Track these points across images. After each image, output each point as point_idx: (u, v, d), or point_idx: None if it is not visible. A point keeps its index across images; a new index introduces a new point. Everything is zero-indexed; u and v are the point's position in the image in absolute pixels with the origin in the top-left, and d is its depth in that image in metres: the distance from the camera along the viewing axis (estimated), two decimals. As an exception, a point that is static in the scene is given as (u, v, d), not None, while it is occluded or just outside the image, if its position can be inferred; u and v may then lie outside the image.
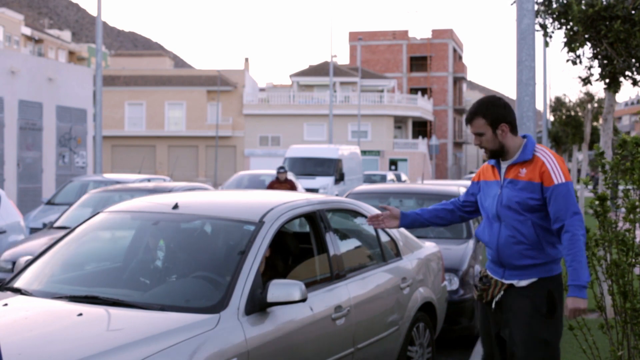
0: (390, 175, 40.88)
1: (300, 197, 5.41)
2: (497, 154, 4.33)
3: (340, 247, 5.32)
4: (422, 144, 62.36)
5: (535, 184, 4.17)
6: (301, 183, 26.08)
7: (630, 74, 9.72)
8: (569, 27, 9.42)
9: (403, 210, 4.83)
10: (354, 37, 77.16)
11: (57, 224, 10.69)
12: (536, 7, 9.07)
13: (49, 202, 15.55)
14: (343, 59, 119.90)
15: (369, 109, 59.57)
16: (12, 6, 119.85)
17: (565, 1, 9.26)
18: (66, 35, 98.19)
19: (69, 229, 9.33)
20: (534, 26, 7.08)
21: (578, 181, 36.74)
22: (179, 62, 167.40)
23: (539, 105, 38.83)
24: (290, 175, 25.40)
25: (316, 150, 30.05)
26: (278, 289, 4.22)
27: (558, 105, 41.92)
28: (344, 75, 64.26)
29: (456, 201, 4.72)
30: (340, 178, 28.30)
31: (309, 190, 24.76)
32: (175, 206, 5.02)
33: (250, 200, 5.64)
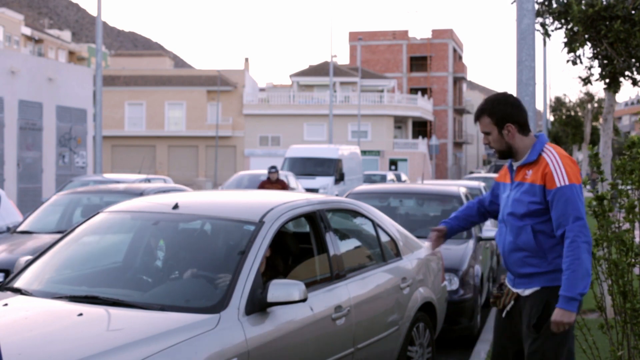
0: (390, 175, 40.87)
1: (300, 197, 5.41)
2: (505, 154, 4.13)
3: (340, 247, 5.32)
4: (422, 144, 62.36)
5: (537, 187, 3.94)
6: (301, 183, 26.08)
7: (630, 74, 9.72)
8: (569, 27, 9.42)
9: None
10: (354, 37, 77.17)
11: (20, 229, 9.56)
12: (537, 7, 9.07)
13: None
14: (343, 59, 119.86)
15: (369, 109, 59.58)
16: (12, 6, 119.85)
17: (565, 1, 9.26)
18: (66, 35, 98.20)
19: (32, 233, 9.12)
20: (534, 26, 7.08)
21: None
22: (179, 62, 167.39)
23: (539, 105, 38.81)
24: (291, 177, 25.43)
25: (316, 150, 30.04)
26: (278, 289, 4.22)
27: (558, 105, 41.95)
28: (344, 75, 64.26)
29: (483, 202, 4.53)
30: (340, 178, 28.30)
31: (309, 190, 24.75)
32: (176, 206, 5.02)
33: (250, 200, 5.64)
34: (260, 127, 60.56)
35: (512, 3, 7.82)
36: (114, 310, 4.12)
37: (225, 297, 4.17)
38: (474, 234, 8.70)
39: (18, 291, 4.57)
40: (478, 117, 4.12)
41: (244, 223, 4.79)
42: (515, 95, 6.80)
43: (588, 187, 5.47)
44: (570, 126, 41.08)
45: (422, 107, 65.14)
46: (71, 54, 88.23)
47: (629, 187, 5.36)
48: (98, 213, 5.40)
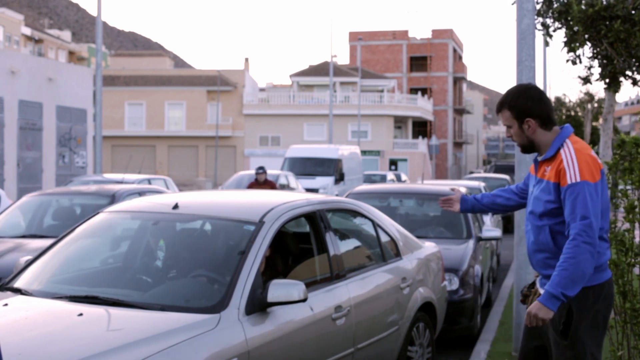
0: (390, 175, 40.87)
1: (300, 197, 5.41)
2: (528, 148, 3.95)
3: (340, 247, 5.32)
4: (422, 144, 62.35)
5: (552, 185, 3.77)
6: (301, 183, 26.08)
7: (630, 73, 9.72)
8: (569, 27, 9.43)
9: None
10: (354, 37, 77.16)
11: None
12: (537, 6, 9.08)
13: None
14: (343, 59, 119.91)
15: (369, 109, 59.57)
16: (12, 6, 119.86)
17: (565, 1, 9.27)
18: (66, 35, 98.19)
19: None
20: (534, 26, 7.08)
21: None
22: (179, 62, 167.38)
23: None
24: (291, 177, 25.43)
25: (316, 150, 30.04)
26: (278, 289, 4.22)
27: (558, 105, 41.97)
28: (344, 75, 64.25)
29: (517, 187, 4.36)
30: (340, 178, 28.30)
31: (309, 190, 24.76)
32: (176, 206, 5.02)
33: (250, 200, 5.64)
34: (260, 127, 60.56)
35: (512, 4, 7.83)
36: (114, 310, 4.12)
37: (226, 297, 4.16)
38: (474, 234, 8.71)
39: (18, 291, 4.57)
40: (499, 110, 3.98)
41: (244, 223, 4.79)
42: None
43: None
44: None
45: (422, 107, 65.13)
46: (71, 54, 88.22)
47: (628, 187, 5.36)
48: (98, 213, 5.40)
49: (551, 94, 45.39)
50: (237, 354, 3.94)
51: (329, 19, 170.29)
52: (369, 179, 36.82)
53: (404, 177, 44.29)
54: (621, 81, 9.91)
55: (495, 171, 34.53)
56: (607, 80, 9.89)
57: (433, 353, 6.28)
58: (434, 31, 77.98)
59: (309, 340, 4.59)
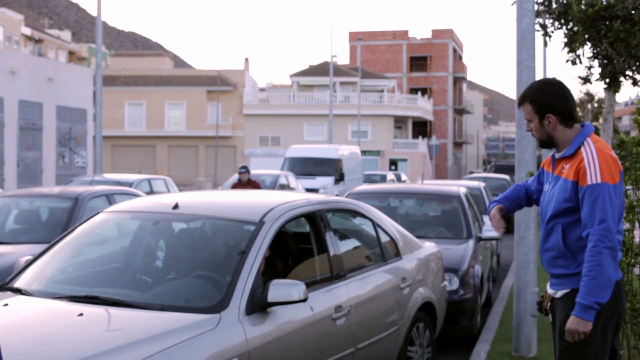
0: (390, 175, 40.88)
1: (300, 197, 5.41)
2: (546, 144, 3.87)
3: (340, 247, 5.32)
4: (422, 144, 62.35)
5: (570, 183, 3.70)
6: (301, 183, 26.08)
7: (630, 73, 9.73)
8: (569, 27, 9.43)
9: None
10: (354, 37, 77.16)
11: None
12: (536, 7, 9.07)
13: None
14: (343, 59, 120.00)
15: (369, 109, 59.57)
16: (12, 6, 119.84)
17: (565, 1, 9.27)
18: (66, 35, 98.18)
19: None
20: (534, 26, 7.08)
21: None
22: (179, 62, 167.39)
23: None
24: (291, 176, 25.41)
25: (316, 150, 30.05)
26: (278, 289, 4.22)
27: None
28: (344, 75, 64.25)
29: (529, 188, 4.25)
30: (340, 178, 28.30)
31: (309, 190, 24.75)
32: (176, 206, 5.02)
33: (250, 200, 5.64)
34: (260, 127, 60.56)
35: (512, 4, 7.83)
36: (114, 310, 4.12)
37: (226, 297, 4.16)
38: (474, 234, 8.71)
39: (18, 291, 4.57)
40: (520, 103, 3.89)
41: (244, 223, 4.79)
42: (515, 95, 6.76)
43: None
44: (570, 126, 41.04)
45: (422, 107, 65.13)
46: (71, 54, 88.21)
47: (628, 187, 5.36)
48: (98, 213, 5.41)
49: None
50: (238, 354, 3.94)
51: (329, 19, 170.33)
52: (369, 179, 36.83)
53: (404, 177, 44.29)
54: (621, 81, 9.91)
55: (495, 171, 34.54)
56: (607, 80, 9.89)
57: (433, 353, 6.28)
58: (434, 31, 77.99)
59: (309, 340, 4.59)
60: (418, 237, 7.10)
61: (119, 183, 16.26)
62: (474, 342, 7.67)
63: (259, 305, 4.23)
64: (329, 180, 27.66)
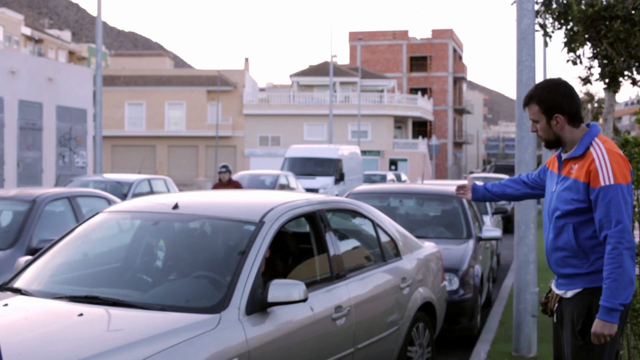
0: (390, 175, 40.88)
1: (300, 197, 5.41)
2: (553, 144, 3.86)
3: (340, 247, 5.32)
4: (422, 144, 62.35)
5: (580, 183, 3.68)
6: (301, 183, 26.08)
7: (630, 73, 9.72)
8: (569, 27, 9.43)
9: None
10: (354, 37, 77.16)
11: None
12: (536, 7, 9.07)
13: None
14: (343, 59, 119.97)
15: (369, 109, 59.57)
16: (12, 6, 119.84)
17: (565, 1, 9.27)
18: (66, 35, 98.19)
19: None
20: (534, 26, 7.08)
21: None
22: (179, 62, 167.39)
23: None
24: (291, 176, 25.40)
25: (316, 150, 30.05)
26: (279, 289, 4.22)
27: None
28: (344, 75, 64.26)
29: (528, 176, 4.32)
30: (340, 178, 28.30)
31: (309, 190, 24.75)
32: (176, 206, 5.02)
33: (250, 200, 5.64)
34: (260, 127, 60.56)
35: (512, 4, 7.83)
36: (114, 311, 4.12)
37: (226, 297, 4.17)
38: (474, 234, 8.71)
39: (18, 291, 4.57)
40: (527, 104, 3.88)
41: (244, 223, 4.79)
42: (515, 95, 6.77)
43: None
44: (570, 126, 41.01)
45: (422, 107, 65.13)
46: (71, 54, 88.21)
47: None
48: (98, 213, 5.41)
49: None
50: (238, 354, 3.94)
51: (329, 19, 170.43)
52: (369, 179, 36.83)
53: (404, 177, 44.29)
54: (621, 81, 9.91)
55: (495, 171, 34.55)
56: (607, 80, 9.89)
57: (433, 353, 6.28)
58: (434, 31, 77.98)
59: (309, 340, 4.59)
60: (418, 237, 7.11)
61: (118, 183, 16.26)
62: (474, 342, 7.67)
63: (259, 305, 4.23)
64: (329, 180, 27.66)
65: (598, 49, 9.48)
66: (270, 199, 5.36)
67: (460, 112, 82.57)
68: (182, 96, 61.08)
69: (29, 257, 5.09)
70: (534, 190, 4.31)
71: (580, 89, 40.75)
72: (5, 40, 74.00)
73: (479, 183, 4.62)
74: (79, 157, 25.10)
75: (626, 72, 9.68)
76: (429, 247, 6.74)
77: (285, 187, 24.26)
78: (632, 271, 3.58)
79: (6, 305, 4.28)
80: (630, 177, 3.71)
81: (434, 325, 6.41)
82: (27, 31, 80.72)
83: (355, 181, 29.88)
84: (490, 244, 10.19)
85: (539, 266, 9.08)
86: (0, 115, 21.62)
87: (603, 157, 3.66)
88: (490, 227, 9.79)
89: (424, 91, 75.48)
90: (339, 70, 63.81)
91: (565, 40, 9.67)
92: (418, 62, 77.66)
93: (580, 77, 10.48)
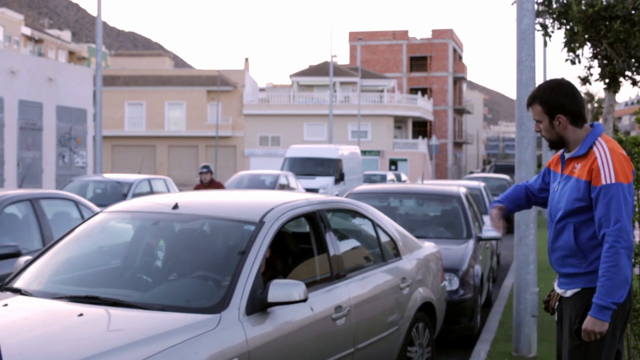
0: (390, 175, 40.88)
1: (300, 197, 5.41)
2: (556, 144, 3.87)
3: (340, 247, 5.32)
4: (422, 144, 62.36)
5: (582, 182, 3.69)
6: (301, 183, 26.08)
7: (629, 74, 9.72)
8: (569, 27, 9.43)
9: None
10: (354, 37, 77.16)
11: None
12: (536, 7, 9.07)
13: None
14: (343, 59, 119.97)
15: (369, 109, 59.57)
16: (12, 6, 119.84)
17: (565, 1, 9.27)
18: (66, 35, 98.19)
19: None
20: (534, 26, 7.08)
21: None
22: (179, 62, 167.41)
23: (539, 105, 38.68)
24: (291, 177, 25.39)
25: (316, 150, 30.04)
26: (279, 289, 4.22)
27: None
28: (344, 75, 64.25)
29: (531, 188, 4.21)
30: (340, 178, 28.30)
31: (309, 190, 24.75)
32: (175, 206, 5.02)
33: (250, 200, 5.64)
34: (260, 127, 60.56)
35: (512, 4, 7.83)
36: (114, 311, 4.12)
37: (226, 298, 4.16)
38: (474, 234, 8.71)
39: (18, 291, 4.56)
40: (530, 104, 3.88)
41: (244, 223, 4.79)
42: (515, 95, 6.77)
43: None
44: (570, 126, 41.04)
45: (422, 107, 65.13)
46: (71, 54, 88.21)
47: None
48: (98, 213, 5.41)
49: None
50: (238, 354, 3.94)
51: (329, 19, 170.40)
52: (369, 179, 36.83)
53: (404, 177, 44.29)
54: (621, 81, 9.91)
55: (495, 171, 34.55)
56: (607, 81, 9.90)
57: (433, 353, 6.28)
58: (434, 31, 77.98)
59: (309, 340, 4.59)
60: (418, 237, 7.11)
61: (118, 183, 16.27)
62: (474, 342, 7.67)
63: (259, 306, 4.23)
64: (329, 180, 27.66)
65: (598, 49, 9.49)
66: (270, 199, 5.35)
67: (460, 112, 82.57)
68: (182, 96, 61.08)
69: (28, 257, 5.09)
70: (537, 195, 4.21)
71: (580, 89, 40.73)
72: (5, 40, 74.00)
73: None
74: (79, 157, 25.10)
75: (626, 72, 9.68)
76: (428, 247, 6.74)
77: (285, 187, 24.26)
78: (627, 271, 3.59)
79: (6, 305, 4.28)
80: (633, 177, 3.71)
81: (434, 325, 6.41)
82: (27, 31, 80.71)
83: (355, 181, 29.88)
84: (490, 244, 10.19)
85: (539, 266, 9.09)
86: (0, 115, 21.62)
87: (605, 156, 3.67)
88: (490, 227, 9.79)
89: (424, 91, 75.48)
90: (339, 70, 63.82)
91: (565, 40, 9.67)
92: (418, 62, 77.66)
93: (580, 77, 10.48)
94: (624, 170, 3.65)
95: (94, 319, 4.01)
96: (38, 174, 23.17)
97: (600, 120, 29.87)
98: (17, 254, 6.49)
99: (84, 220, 5.45)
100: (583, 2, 9.04)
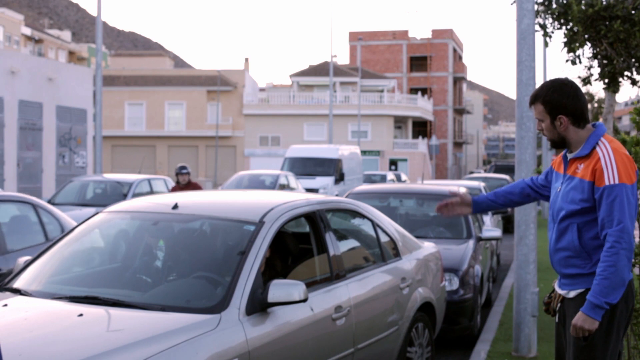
0: (390, 175, 40.87)
1: (300, 197, 5.41)
2: (558, 144, 3.86)
3: (340, 247, 5.32)
4: (422, 144, 62.35)
5: (586, 183, 3.68)
6: (301, 183, 26.07)
7: (629, 74, 9.72)
8: (569, 27, 9.42)
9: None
10: (354, 37, 77.15)
11: None
12: (536, 7, 9.07)
13: (49, 202, 15.51)
14: (343, 59, 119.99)
15: (369, 109, 59.57)
16: (12, 6, 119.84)
17: (565, 1, 9.27)
18: (66, 35, 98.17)
19: None
20: (534, 26, 7.08)
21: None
22: (179, 62, 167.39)
23: (539, 105, 38.73)
24: (291, 177, 25.37)
25: (316, 150, 30.04)
26: (279, 289, 4.22)
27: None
28: (344, 75, 64.25)
29: (533, 181, 4.24)
30: (340, 178, 28.30)
31: (309, 190, 24.74)
32: (175, 206, 5.02)
33: (250, 201, 5.63)
34: (260, 127, 60.56)
35: (512, 4, 7.83)
36: (114, 311, 4.12)
37: (226, 298, 4.16)
38: (474, 234, 8.71)
39: (17, 291, 4.56)
40: (532, 103, 3.87)
41: (244, 223, 4.79)
42: (515, 95, 6.77)
43: None
44: (570, 126, 41.09)
45: (422, 107, 65.13)
46: (71, 54, 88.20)
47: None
48: (97, 213, 5.40)
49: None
50: (238, 354, 3.94)
51: (329, 19, 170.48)
52: (369, 179, 36.83)
53: (404, 177, 44.28)
54: (621, 81, 9.91)
55: (495, 171, 34.55)
56: (607, 81, 9.89)
57: (432, 353, 6.28)
58: (434, 31, 77.97)
59: (309, 340, 4.59)
60: (418, 237, 7.11)
61: (118, 183, 16.26)
62: (474, 342, 7.67)
63: (259, 306, 4.23)
64: (329, 180, 27.65)
65: (598, 49, 9.48)
66: (270, 199, 5.35)
67: (460, 112, 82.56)
68: (182, 96, 61.08)
69: (28, 257, 5.09)
70: (541, 191, 4.24)
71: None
72: (5, 40, 73.99)
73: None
74: (79, 157, 25.10)
75: (626, 72, 9.68)
76: (428, 247, 6.74)
77: (285, 187, 24.25)
78: (625, 272, 3.58)
79: (6, 305, 4.28)
80: (636, 177, 3.71)
81: (434, 326, 6.40)
82: (27, 31, 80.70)
83: (355, 181, 29.88)
84: (490, 244, 10.19)
85: (539, 266, 9.09)
86: (0, 115, 21.62)
87: (609, 156, 3.66)
88: (490, 227, 9.79)
89: (424, 91, 75.47)
90: (339, 70, 63.81)
91: (565, 40, 9.67)
92: (418, 62, 77.65)
93: (580, 77, 10.48)
94: (627, 171, 3.65)
95: (94, 319, 4.01)
96: (38, 174, 23.17)
97: (600, 120, 29.86)
98: None
99: (83, 220, 5.44)
100: (583, 2, 9.04)
